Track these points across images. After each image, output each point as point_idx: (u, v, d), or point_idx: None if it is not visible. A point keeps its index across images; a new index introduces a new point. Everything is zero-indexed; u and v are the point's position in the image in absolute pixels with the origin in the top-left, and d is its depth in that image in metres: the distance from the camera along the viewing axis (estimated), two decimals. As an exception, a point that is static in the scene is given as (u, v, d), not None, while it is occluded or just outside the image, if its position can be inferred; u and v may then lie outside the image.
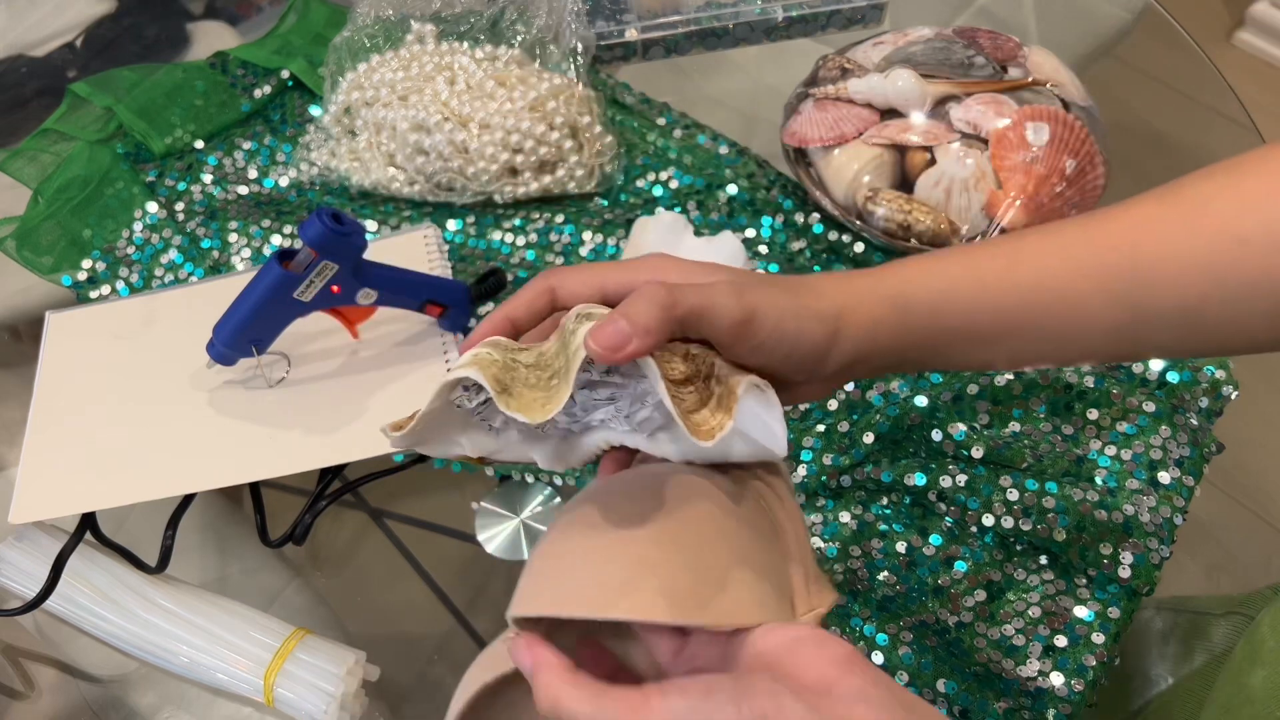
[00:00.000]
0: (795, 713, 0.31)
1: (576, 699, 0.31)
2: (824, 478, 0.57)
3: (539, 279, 0.40)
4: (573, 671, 0.32)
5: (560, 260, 0.69)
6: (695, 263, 0.40)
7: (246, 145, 0.76)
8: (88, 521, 0.56)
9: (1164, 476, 0.55)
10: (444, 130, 0.68)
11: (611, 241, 0.69)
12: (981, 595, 0.53)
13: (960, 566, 0.54)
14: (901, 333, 0.39)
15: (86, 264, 0.70)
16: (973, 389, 0.57)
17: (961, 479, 0.55)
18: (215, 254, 0.70)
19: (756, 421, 0.36)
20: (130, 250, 0.71)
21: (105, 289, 0.69)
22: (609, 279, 0.39)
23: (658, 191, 0.72)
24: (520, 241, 0.70)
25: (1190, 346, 0.38)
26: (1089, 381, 0.57)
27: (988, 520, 0.54)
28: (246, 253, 0.70)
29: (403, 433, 0.38)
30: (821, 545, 0.55)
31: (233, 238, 0.70)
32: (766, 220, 0.69)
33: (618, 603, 0.32)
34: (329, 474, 0.59)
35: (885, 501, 0.56)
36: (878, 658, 0.52)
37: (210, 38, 0.91)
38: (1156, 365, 0.59)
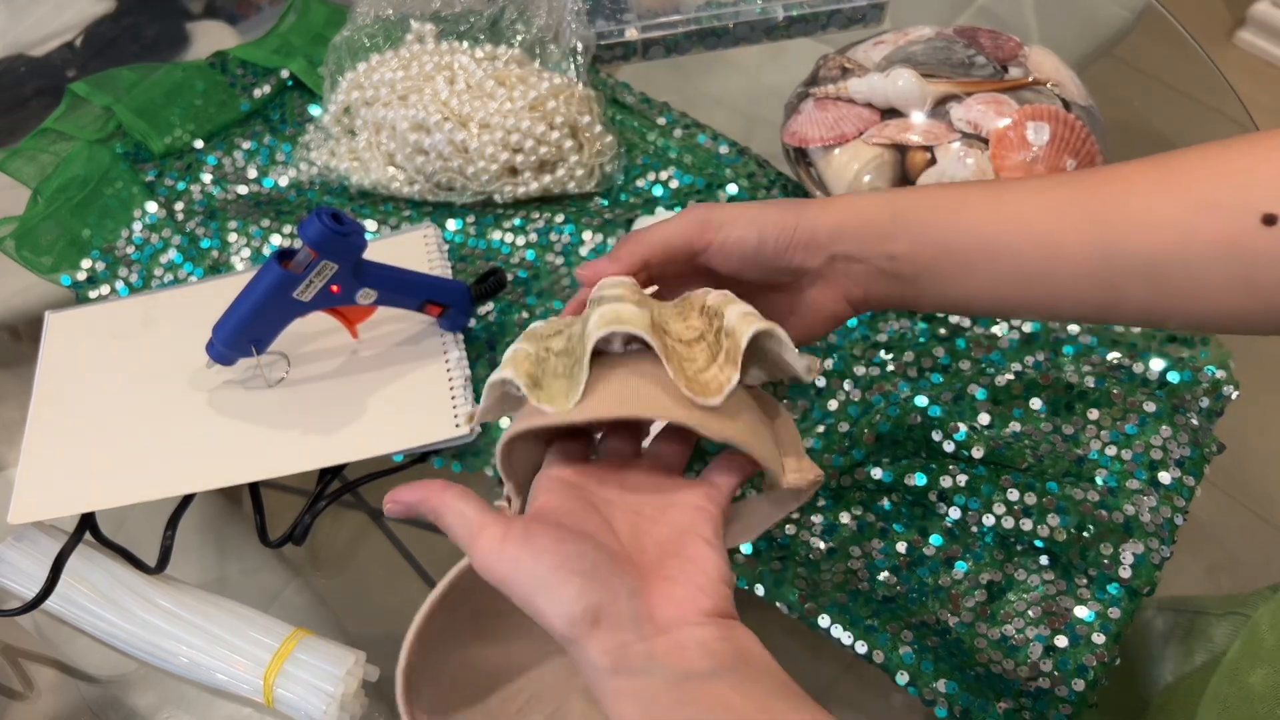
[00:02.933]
0: (624, 624, 0.34)
1: (454, 513, 0.37)
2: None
3: (626, 246, 0.44)
4: (462, 495, 0.38)
5: (560, 260, 0.69)
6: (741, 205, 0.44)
7: (246, 145, 0.76)
8: (87, 522, 0.56)
9: (1165, 476, 0.55)
10: (444, 130, 0.68)
11: (611, 241, 0.69)
12: (982, 595, 0.53)
13: (960, 566, 0.54)
14: (885, 233, 0.42)
15: (86, 264, 0.70)
16: (973, 389, 0.57)
17: (962, 479, 0.55)
18: (215, 254, 0.70)
19: (778, 361, 0.41)
20: (130, 250, 0.71)
21: (104, 289, 0.69)
22: (619, 254, 0.44)
23: (658, 191, 0.72)
24: (520, 241, 0.70)
25: (1165, 308, 0.39)
26: (1089, 381, 0.57)
27: (988, 520, 0.54)
28: (246, 252, 0.70)
29: (473, 422, 0.43)
30: (822, 546, 0.55)
31: (232, 237, 0.70)
32: (767, 220, 0.69)
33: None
34: (329, 474, 0.59)
35: (885, 502, 0.56)
36: (878, 657, 0.52)
37: (210, 37, 0.91)
38: (1157, 365, 0.59)
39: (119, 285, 0.69)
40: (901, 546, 0.55)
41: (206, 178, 0.74)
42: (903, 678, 0.51)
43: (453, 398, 0.59)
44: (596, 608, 0.34)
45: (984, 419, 0.57)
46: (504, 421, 0.59)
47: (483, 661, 0.44)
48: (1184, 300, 0.38)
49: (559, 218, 0.70)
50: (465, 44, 0.75)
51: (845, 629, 0.53)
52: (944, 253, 0.41)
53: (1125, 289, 0.39)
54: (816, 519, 0.56)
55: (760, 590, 0.54)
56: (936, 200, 0.42)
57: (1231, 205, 0.36)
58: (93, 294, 0.69)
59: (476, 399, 0.60)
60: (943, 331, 0.62)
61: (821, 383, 0.61)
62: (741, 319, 0.39)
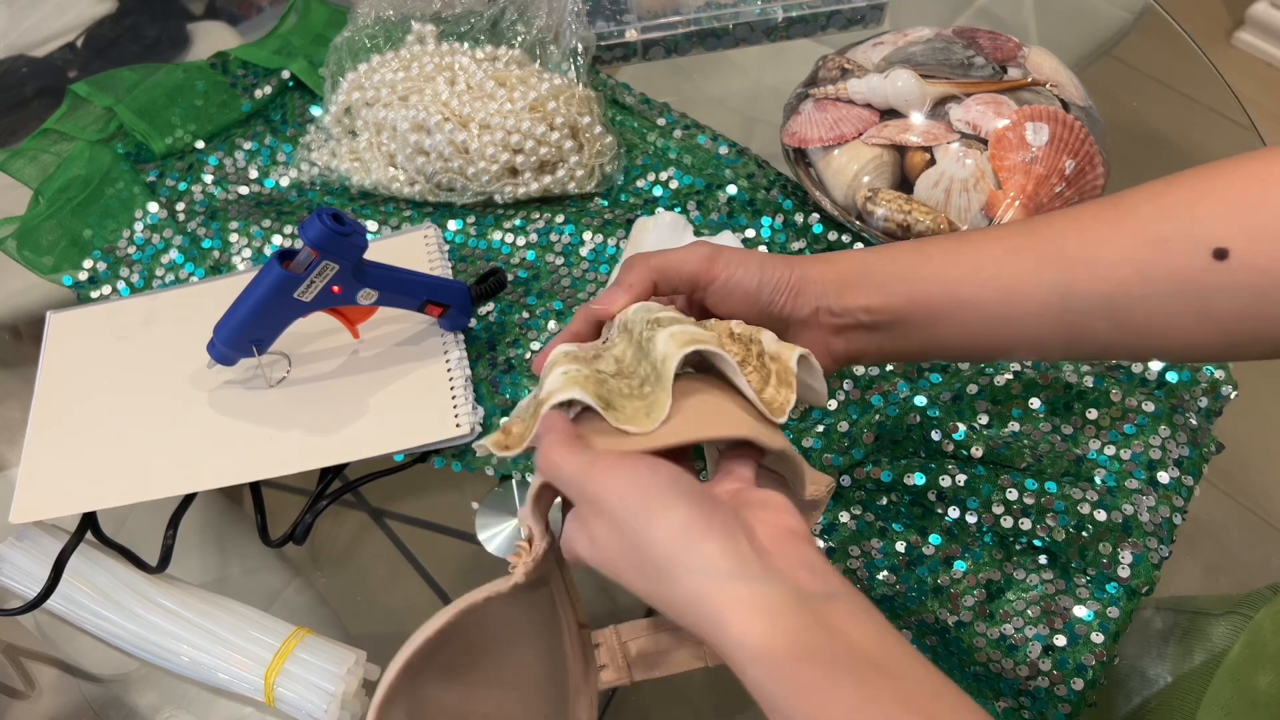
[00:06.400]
0: (736, 535, 0.33)
1: (565, 454, 0.36)
2: (824, 477, 0.57)
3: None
4: (572, 436, 0.37)
5: (561, 260, 0.69)
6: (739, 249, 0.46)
7: (247, 145, 0.76)
8: (88, 521, 0.56)
9: (1163, 476, 0.55)
10: (444, 130, 0.68)
11: (611, 242, 0.69)
12: (981, 595, 0.53)
13: (960, 566, 0.54)
14: (858, 287, 0.44)
15: (87, 264, 0.70)
16: (972, 389, 0.58)
17: (961, 479, 0.55)
18: (216, 254, 0.70)
19: (805, 389, 0.42)
20: (131, 250, 0.71)
21: (106, 289, 0.69)
22: (623, 281, 0.45)
23: (658, 191, 0.72)
24: (520, 241, 0.70)
25: (1126, 343, 0.40)
26: (1088, 381, 0.58)
27: (987, 520, 0.54)
28: (247, 253, 0.70)
29: (512, 452, 0.41)
30: (821, 545, 0.55)
31: (233, 238, 0.70)
32: (766, 220, 0.69)
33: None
34: (329, 474, 0.59)
35: (885, 501, 0.57)
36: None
37: (211, 38, 0.91)
38: (1156, 365, 0.59)
39: (120, 285, 0.69)
40: (900, 546, 0.55)
41: (208, 178, 0.74)
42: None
43: (453, 398, 0.59)
44: (709, 515, 0.33)
45: (983, 419, 0.57)
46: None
47: (454, 711, 0.44)
48: (1145, 335, 0.39)
49: (559, 218, 0.70)
50: (466, 45, 0.75)
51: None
52: (912, 304, 0.43)
53: (1086, 328, 0.40)
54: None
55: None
56: (901, 254, 0.44)
57: (1181, 240, 0.37)
58: (94, 294, 0.69)
59: (478, 399, 0.60)
60: (942, 332, 0.62)
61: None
62: (779, 344, 0.41)
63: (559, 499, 0.43)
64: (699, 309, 0.47)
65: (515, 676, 0.46)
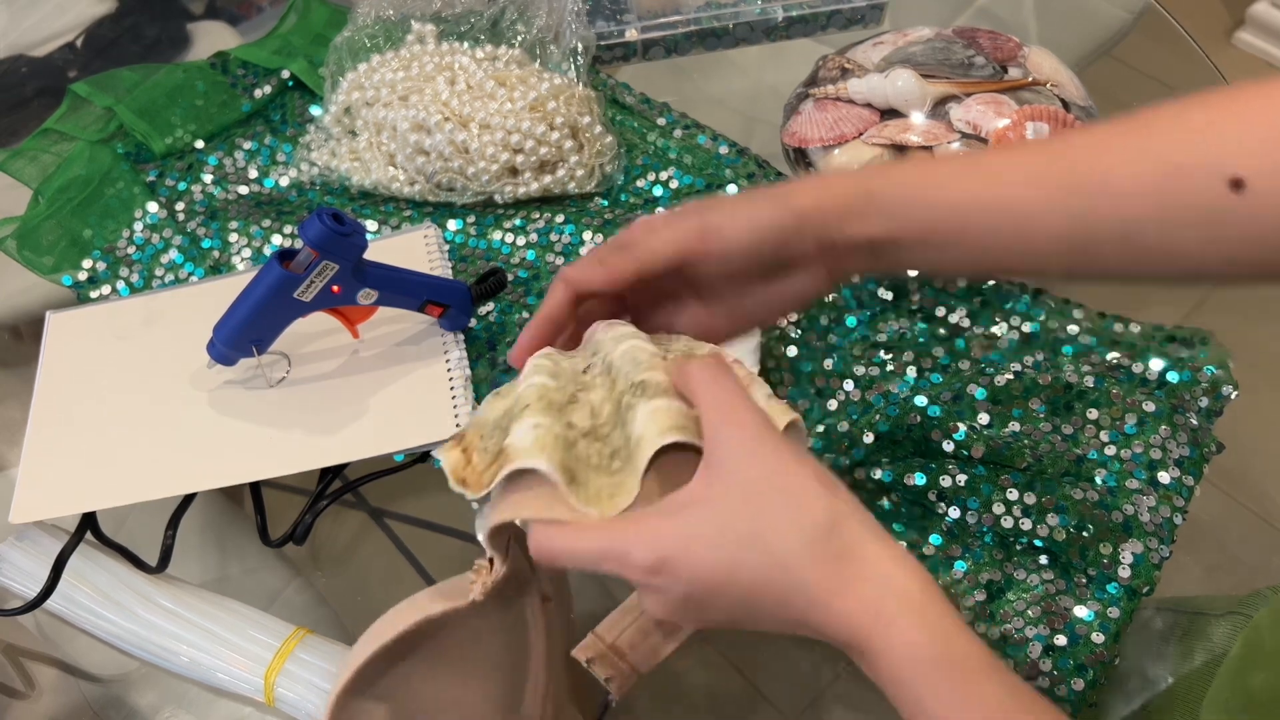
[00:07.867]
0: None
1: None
2: (824, 477, 0.57)
3: (556, 284, 0.46)
4: (559, 525, 0.38)
5: (561, 260, 0.69)
6: (673, 212, 0.46)
7: (247, 145, 0.76)
8: (88, 521, 0.56)
9: (1164, 476, 0.55)
10: (444, 130, 0.68)
11: (612, 241, 0.69)
12: (981, 595, 0.53)
13: (960, 566, 0.54)
14: (861, 213, 0.43)
15: (87, 264, 0.70)
16: (973, 389, 0.58)
17: (961, 479, 0.55)
18: (216, 254, 0.70)
19: None
20: (131, 250, 0.71)
21: (106, 289, 0.69)
22: (609, 264, 0.46)
23: (658, 191, 0.72)
24: (520, 241, 0.70)
25: (1132, 264, 0.40)
26: (1089, 381, 0.58)
27: (987, 520, 0.54)
28: (247, 253, 0.70)
29: (469, 492, 0.41)
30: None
31: (233, 238, 0.70)
32: (766, 220, 0.69)
33: None
34: (329, 474, 0.59)
35: (885, 501, 0.56)
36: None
37: (211, 38, 0.91)
38: (1156, 365, 0.59)
39: (120, 285, 0.69)
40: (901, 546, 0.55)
41: (207, 178, 0.74)
42: (902, 677, 0.51)
43: (453, 398, 0.59)
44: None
45: (983, 419, 0.57)
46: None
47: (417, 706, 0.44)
48: (1153, 256, 0.39)
49: (559, 218, 0.70)
50: (466, 44, 0.75)
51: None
52: (924, 231, 0.42)
53: (1098, 253, 0.40)
54: (816, 519, 0.56)
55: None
56: (909, 178, 0.43)
57: (1199, 169, 0.37)
58: (94, 294, 0.69)
59: (477, 399, 0.60)
60: (942, 331, 0.62)
61: (821, 382, 0.61)
62: (771, 400, 0.41)
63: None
64: (686, 279, 0.46)
65: (475, 666, 0.46)
